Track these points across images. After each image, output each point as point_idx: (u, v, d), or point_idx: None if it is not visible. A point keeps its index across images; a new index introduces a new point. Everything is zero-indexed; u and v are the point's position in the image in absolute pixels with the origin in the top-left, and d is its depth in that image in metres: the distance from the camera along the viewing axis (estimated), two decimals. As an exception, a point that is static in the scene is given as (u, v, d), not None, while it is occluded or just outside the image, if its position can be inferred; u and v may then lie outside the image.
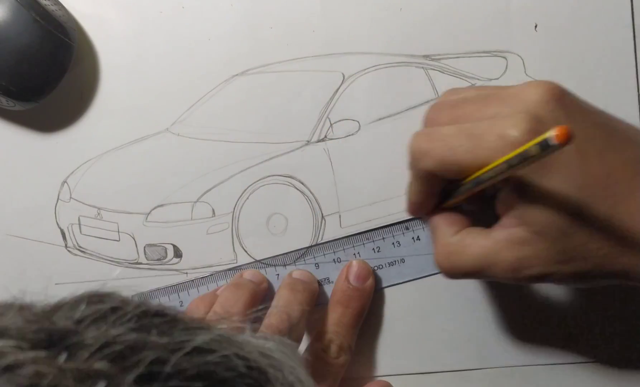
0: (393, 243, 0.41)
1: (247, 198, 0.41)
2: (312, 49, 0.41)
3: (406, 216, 0.40)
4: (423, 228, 0.41)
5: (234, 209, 0.41)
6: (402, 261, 0.41)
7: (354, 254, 0.41)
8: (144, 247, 0.41)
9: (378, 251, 0.41)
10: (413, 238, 0.41)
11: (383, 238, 0.41)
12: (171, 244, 0.41)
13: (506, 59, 0.41)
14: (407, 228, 0.41)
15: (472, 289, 0.42)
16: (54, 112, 0.41)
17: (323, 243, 0.41)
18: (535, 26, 0.41)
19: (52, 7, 0.38)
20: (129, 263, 0.41)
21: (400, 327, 0.42)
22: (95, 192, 0.41)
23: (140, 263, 0.41)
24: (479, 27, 0.41)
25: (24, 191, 0.41)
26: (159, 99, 0.41)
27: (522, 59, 0.41)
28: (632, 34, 0.41)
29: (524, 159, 0.28)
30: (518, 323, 0.42)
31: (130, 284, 0.41)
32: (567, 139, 0.25)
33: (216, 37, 0.41)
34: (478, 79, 0.42)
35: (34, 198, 0.41)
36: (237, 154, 0.41)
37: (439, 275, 0.41)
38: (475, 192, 0.33)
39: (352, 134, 0.41)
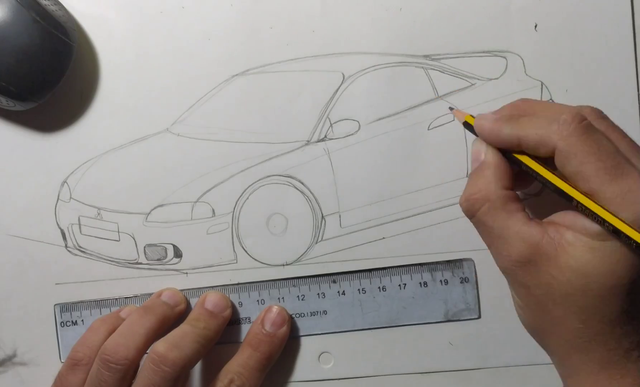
0: (318, 293, 0.41)
1: (247, 198, 0.41)
2: (312, 49, 0.41)
3: (333, 269, 0.41)
4: (349, 283, 0.41)
5: (234, 209, 0.41)
6: (325, 312, 0.41)
7: (278, 298, 0.41)
8: (144, 247, 0.41)
9: (302, 299, 0.41)
10: (338, 292, 0.41)
11: (309, 287, 0.41)
12: (171, 244, 0.41)
13: (506, 58, 0.42)
14: (334, 281, 0.41)
15: (471, 288, 0.42)
16: (54, 112, 0.41)
17: (250, 283, 0.41)
18: (535, 26, 0.41)
19: (52, 7, 0.38)
20: (129, 263, 0.41)
21: (400, 327, 0.42)
22: (95, 192, 0.41)
23: (140, 263, 0.41)
24: (479, 27, 0.41)
25: (24, 191, 0.41)
26: (159, 99, 0.41)
27: (522, 59, 0.41)
28: (632, 33, 0.41)
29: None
30: (517, 323, 0.42)
31: (130, 284, 0.41)
32: None
33: (216, 37, 0.41)
34: (478, 79, 0.42)
35: (34, 198, 0.41)
36: (237, 154, 0.41)
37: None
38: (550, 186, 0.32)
39: (352, 134, 0.41)
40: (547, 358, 0.41)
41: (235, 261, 0.42)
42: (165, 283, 0.41)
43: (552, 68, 0.41)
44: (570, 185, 0.31)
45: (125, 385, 0.36)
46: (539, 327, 0.33)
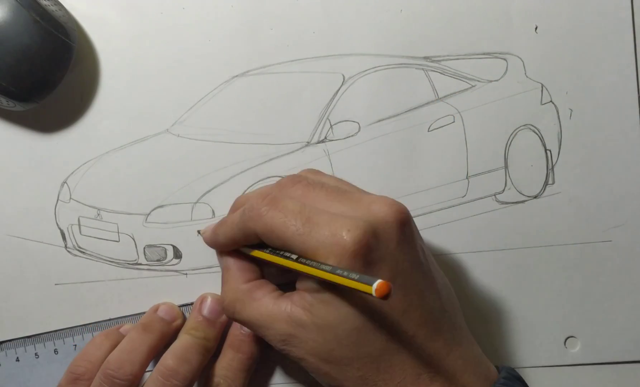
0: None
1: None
2: (312, 50, 0.41)
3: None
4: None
5: (234, 210, 0.41)
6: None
7: None
8: (144, 248, 0.41)
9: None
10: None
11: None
12: (171, 244, 0.41)
13: (506, 60, 0.42)
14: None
15: (471, 290, 0.42)
16: (54, 113, 0.41)
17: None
18: (536, 28, 0.41)
19: (52, 8, 0.38)
20: (129, 264, 0.41)
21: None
22: (95, 192, 0.41)
23: (140, 264, 0.41)
24: (479, 29, 0.41)
25: (24, 192, 0.41)
26: (159, 99, 0.41)
27: (523, 61, 0.42)
28: (632, 35, 0.42)
29: (338, 284, 0.29)
30: (517, 324, 0.42)
31: (130, 285, 0.41)
32: (385, 295, 0.27)
33: (216, 38, 0.41)
34: (478, 80, 0.42)
35: (34, 198, 0.41)
36: (237, 155, 0.41)
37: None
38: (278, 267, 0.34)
39: (352, 136, 0.41)
40: (545, 360, 0.42)
41: (235, 262, 0.42)
42: (164, 284, 0.41)
43: (553, 70, 0.42)
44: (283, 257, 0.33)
45: None
46: None
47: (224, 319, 0.40)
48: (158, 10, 0.41)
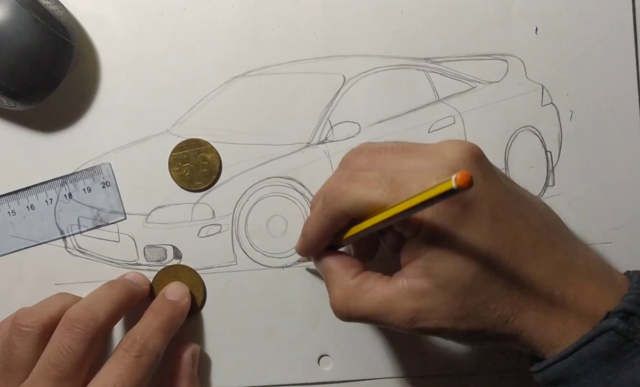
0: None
1: (247, 200, 0.41)
2: (313, 51, 0.41)
3: None
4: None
5: (234, 210, 0.41)
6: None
7: None
8: (144, 248, 0.41)
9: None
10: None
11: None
12: (171, 245, 0.41)
13: (507, 62, 0.42)
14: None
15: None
16: (55, 113, 0.41)
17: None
18: (536, 29, 0.41)
19: (52, 7, 0.38)
20: (129, 264, 0.41)
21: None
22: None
23: (140, 264, 0.41)
24: (480, 30, 0.41)
25: (25, 191, 0.41)
26: (160, 100, 0.41)
27: (523, 62, 0.41)
28: (633, 37, 0.41)
29: (430, 202, 0.28)
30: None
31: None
32: (468, 183, 0.26)
33: (217, 38, 0.41)
34: (479, 82, 0.42)
35: (34, 198, 0.41)
36: (237, 155, 0.41)
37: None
38: (371, 233, 0.33)
39: (353, 137, 0.41)
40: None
41: (234, 263, 0.42)
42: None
43: (553, 71, 0.42)
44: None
45: (39, 350, 0.36)
46: (473, 326, 0.33)
47: (146, 289, 0.41)
48: (159, 11, 0.41)
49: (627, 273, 0.35)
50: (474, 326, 0.32)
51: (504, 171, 0.42)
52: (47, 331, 0.37)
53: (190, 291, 0.41)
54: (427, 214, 0.31)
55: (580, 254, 0.34)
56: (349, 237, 0.34)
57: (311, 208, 0.39)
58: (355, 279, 0.34)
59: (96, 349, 0.36)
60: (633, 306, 0.32)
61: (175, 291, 0.40)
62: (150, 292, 0.41)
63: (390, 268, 0.34)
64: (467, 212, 0.31)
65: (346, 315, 0.34)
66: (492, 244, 0.31)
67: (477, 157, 0.32)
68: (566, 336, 0.32)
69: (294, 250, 0.41)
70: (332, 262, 0.36)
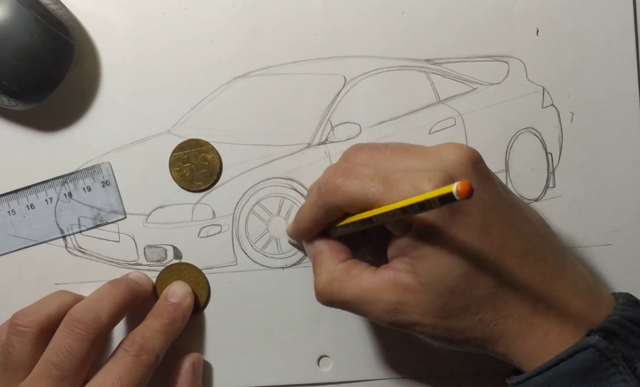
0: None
1: (248, 200, 0.41)
2: (314, 51, 0.41)
3: None
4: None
5: (235, 211, 0.41)
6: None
7: None
8: (144, 248, 0.41)
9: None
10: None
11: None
12: (171, 245, 0.41)
13: (508, 63, 0.42)
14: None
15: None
16: (55, 112, 0.41)
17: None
18: (537, 31, 0.41)
19: (53, 6, 0.38)
20: (129, 264, 0.41)
21: (397, 331, 0.42)
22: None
23: (140, 264, 0.41)
24: (481, 32, 0.41)
25: (25, 191, 0.41)
26: (160, 100, 0.41)
27: (524, 64, 0.42)
28: (634, 39, 0.42)
29: (423, 206, 0.28)
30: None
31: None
32: (467, 194, 0.26)
33: (218, 38, 0.41)
34: (480, 83, 0.42)
35: (34, 198, 0.41)
36: (238, 156, 0.41)
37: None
38: (363, 229, 0.33)
39: (353, 137, 0.41)
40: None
41: (235, 263, 0.41)
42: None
43: (554, 73, 0.42)
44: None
45: (38, 350, 0.36)
46: (457, 328, 0.33)
47: (150, 289, 0.41)
48: (160, 11, 0.41)
49: (614, 294, 0.35)
50: (453, 326, 0.33)
51: (504, 173, 0.42)
52: (45, 330, 0.37)
53: (193, 290, 0.41)
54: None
55: (569, 269, 0.34)
56: (340, 228, 0.35)
57: (307, 195, 0.39)
58: (343, 264, 0.35)
59: (97, 349, 0.36)
60: (615, 327, 0.32)
61: (176, 292, 0.40)
62: (153, 293, 0.41)
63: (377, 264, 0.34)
64: (457, 215, 0.31)
65: (328, 297, 0.35)
66: (480, 248, 0.31)
67: (474, 162, 0.32)
68: (546, 349, 0.32)
69: (294, 251, 0.41)
70: (322, 245, 0.36)
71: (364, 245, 0.38)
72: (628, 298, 0.35)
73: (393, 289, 0.33)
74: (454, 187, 0.26)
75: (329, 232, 0.36)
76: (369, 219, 0.32)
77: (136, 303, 0.40)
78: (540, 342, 0.32)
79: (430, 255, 0.31)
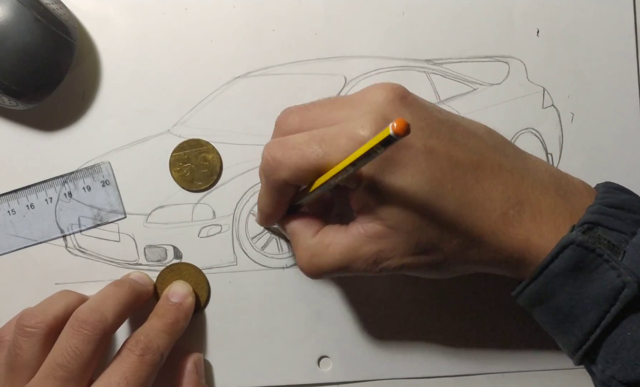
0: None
1: (248, 200, 0.41)
2: (314, 51, 0.41)
3: None
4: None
5: (235, 211, 0.41)
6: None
7: None
8: (144, 248, 0.41)
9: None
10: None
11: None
12: (171, 245, 0.41)
13: (508, 64, 0.42)
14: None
15: (469, 295, 0.42)
16: (56, 112, 0.41)
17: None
18: (537, 32, 0.41)
19: (53, 6, 0.38)
20: (129, 264, 0.41)
21: (399, 331, 0.42)
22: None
23: (140, 264, 0.41)
24: (481, 32, 0.41)
25: (25, 190, 0.41)
26: (161, 100, 0.41)
27: (525, 65, 0.41)
28: (634, 40, 0.42)
29: (368, 155, 0.28)
30: (514, 329, 0.42)
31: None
32: (405, 130, 0.26)
33: (218, 38, 0.41)
34: (480, 84, 0.42)
35: (34, 197, 0.41)
36: (238, 156, 0.41)
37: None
38: (324, 193, 0.33)
39: (354, 138, 0.41)
40: (543, 364, 0.42)
41: (235, 263, 0.41)
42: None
43: (555, 74, 0.42)
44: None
45: (45, 350, 0.36)
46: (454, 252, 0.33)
47: (151, 288, 0.41)
48: (160, 10, 0.41)
49: (596, 186, 0.35)
50: (435, 257, 0.33)
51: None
52: (52, 331, 0.37)
53: (194, 290, 0.41)
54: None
55: (531, 169, 0.34)
56: (303, 200, 0.35)
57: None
58: (316, 237, 0.35)
59: (102, 349, 0.36)
60: (597, 217, 0.32)
61: (177, 292, 0.40)
62: (154, 293, 0.41)
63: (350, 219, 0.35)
64: (400, 152, 0.31)
65: (315, 273, 0.35)
66: (432, 176, 0.32)
67: (401, 96, 0.33)
68: (532, 254, 0.32)
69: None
70: (294, 225, 0.36)
71: (334, 201, 0.38)
72: (608, 186, 0.35)
73: (367, 241, 0.33)
74: (390, 129, 0.26)
75: (296, 206, 0.36)
76: (325, 184, 0.32)
77: (139, 303, 0.40)
78: (524, 249, 0.32)
79: (387, 200, 0.32)
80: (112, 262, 0.41)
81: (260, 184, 0.36)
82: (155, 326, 0.38)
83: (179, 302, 0.40)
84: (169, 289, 0.41)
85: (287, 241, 0.41)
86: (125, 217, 0.41)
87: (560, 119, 0.42)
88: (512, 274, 0.34)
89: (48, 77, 0.38)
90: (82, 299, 0.39)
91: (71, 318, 0.36)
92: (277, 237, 0.42)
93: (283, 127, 0.35)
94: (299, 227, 0.36)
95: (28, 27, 0.37)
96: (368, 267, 0.33)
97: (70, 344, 0.35)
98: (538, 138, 0.42)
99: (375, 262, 0.33)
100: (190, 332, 0.42)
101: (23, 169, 0.41)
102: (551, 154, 0.42)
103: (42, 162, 0.41)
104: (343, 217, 0.37)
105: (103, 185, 0.41)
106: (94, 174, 0.41)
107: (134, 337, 0.37)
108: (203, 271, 0.41)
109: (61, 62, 0.38)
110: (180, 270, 0.41)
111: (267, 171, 0.34)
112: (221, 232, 0.41)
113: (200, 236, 0.41)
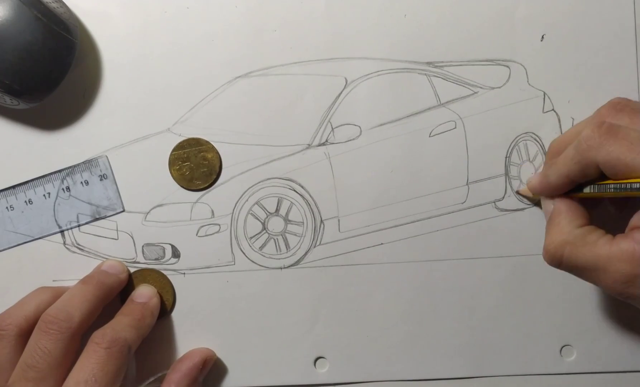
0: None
1: (247, 200, 0.41)
2: (315, 52, 0.41)
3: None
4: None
5: (234, 210, 0.41)
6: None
7: None
8: (142, 246, 0.41)
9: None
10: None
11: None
12: (169, 244, 0.41)
13: (509, 68, 0.41)
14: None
15: (466, 298, 0.42)
16: (57, 110, 0.41)
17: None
18: (542, 37, 0.41)
19: (53, 5, 0.38)
20: (127, 262, 0.41)
21: (396, 333, 0.42)
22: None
23: (138, 262, 0.41)
24: (482, 36, 0.41)
25: (25, 189, 0.41)
26: (161, 98, 0.41)
27: (525, 68, 0.41)
28: (635, 45, 0.41)
29: None
30: (514, 331, 0.42)
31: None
32: None
33: (220, 38, 0.41)
34: (481, 87, 0.42)
35: (34, 195, 0.41)
36: (237, 155, 0.41)
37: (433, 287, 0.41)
38: (615, 196, 0.32)
39: (353, 139, 0.41)
40: (541, 368, 0.42)
41: (233, 263, 0.42)
42: (162, 283, 0.42)
43: (555, 78, 0.41)
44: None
45: (18, 352, 0.36)
46: None
47: (124, 277, 0.41)
48: (161, 9, 0.41)
49: None
50: None
51: (503, 177, 0.41)
52: (23, 332, 0.37)
53: (159, 293, 0.41)
54: None
55: None
56: (588, 191, 0.34)
57: (549, 151, 0.38)
58: (581, 229, 0.34)
59: (74, 347, 0.37)
60: None
61: (143, 293, 0.41)
62: (129, 283, 0.41)
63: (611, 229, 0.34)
64: None
65: (558, 259, 0.34)
66: None
67: None
68: None
69: (292, 251, 0.41)
70: (561, 205, 0.35)
71: (596, 208, 0.37)
72: None
73: (630, 261, 0.31)
74: None
75: (570, 191, 0.35)
76: (627, 186, 0.30)
77: (111, 295, 0.40)
78: None
79: None
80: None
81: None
82: (122, 321, 0.38)
83: (144, 302, 0.40)
84: (134, 293, 0.41)
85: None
86: (123, 210, 0.41)
87: (561, 124, 0.42)
88: None
89: (49, 75, 0.38)
90: (57, 295, 0.39)
91: (40, 319, 0.36)
92: (276, 237, 0.42)
93: (608, 121, 0.33)
94: (566, 210, 0.35)
95: (29, 26, 0.37)
96: (614, 285, 0.32)
97: (39, 345, 0.35)
98: (538, 142, 0.42)
99: (626, 283, 0.31)
100: (189, 331, 0.42)
101: (24, 167, 0.41)
102: (551, 159, 0.42)
103: (43, 160, 0.41)
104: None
105: (101, 180, 0.41)
106: (92, 168, 0.41)
107: (100, 331, 0.37)
108: (201, 270, 0.41)
109: (62, 61, 0.38)
110: (143, 275, 0.41)
111: (584, 146, 0.32)
112: (220, 231, 0.41)
113: (198, 235, 0.41)
